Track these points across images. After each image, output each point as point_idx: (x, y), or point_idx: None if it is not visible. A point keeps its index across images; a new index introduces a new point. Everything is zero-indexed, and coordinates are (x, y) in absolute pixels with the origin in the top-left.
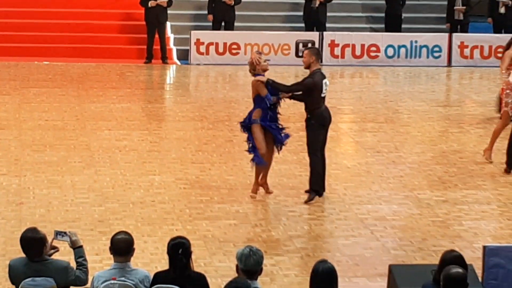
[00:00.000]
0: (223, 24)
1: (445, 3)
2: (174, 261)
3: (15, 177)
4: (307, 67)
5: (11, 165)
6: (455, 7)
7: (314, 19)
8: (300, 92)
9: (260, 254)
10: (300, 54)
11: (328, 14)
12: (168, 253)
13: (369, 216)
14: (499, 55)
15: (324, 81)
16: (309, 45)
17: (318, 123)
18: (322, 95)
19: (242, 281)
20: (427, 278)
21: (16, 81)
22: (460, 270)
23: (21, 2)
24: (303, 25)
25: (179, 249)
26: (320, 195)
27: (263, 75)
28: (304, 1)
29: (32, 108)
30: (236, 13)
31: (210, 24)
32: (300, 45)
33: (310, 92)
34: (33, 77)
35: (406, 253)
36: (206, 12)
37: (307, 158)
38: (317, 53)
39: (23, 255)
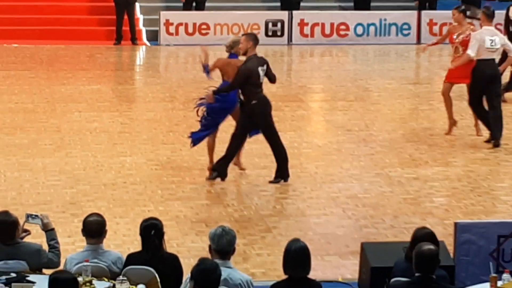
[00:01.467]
0: (194, 4)
1: None
2: (147, 242)
3: None
4: (244, 53)
5: None
6: None
7: None
8: None
9: (232, 234)
10: (270, 33)
11: None
12: (141, 234)
13: (341, 194)
14: None
15: (259, 68)
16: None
17: (260, 109)
18: (260, 81)
19: (209, 262)
20: (399, 255)
21: None
22: (431, 246)
23: None
24: (273, 4)
25: (151, 230)
26: (285, 180)
27: (237, 57)
28: None
29: (1, 91)
30: None
31: (180, 5)
32: (270, 25)
33: (246, 79)
34: (2, 60)
35: (378, 230)
36: None
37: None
38: (254, 39)
39: None
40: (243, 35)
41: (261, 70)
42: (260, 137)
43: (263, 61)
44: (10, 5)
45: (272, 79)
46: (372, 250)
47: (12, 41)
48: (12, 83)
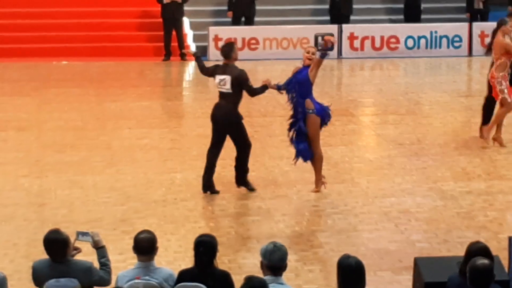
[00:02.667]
0: (243, 19)
1: None
2: (197, 258)
3: (37, 178)
4: None
5: (33, 166)
6: None
7: (338, 12)
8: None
9: (284, 250)
10: (319, 47)
11: None
12: (194, 250)
13: (393, 209)
14: None
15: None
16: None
17: None
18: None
19: (257, 280)
20: (453, 270)
21: (35, 82)
22: (486, 261)
23: (39, 2)
24: (323, 18)
25: (200, 247)
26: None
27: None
28: None
29: (52, 108)
30: (257, 7)
31: (229, 20)
32: (319, 39)
33: None
34: (53, 77)
35: (431, 245)
36: (225, 8)
37: (329, 153)
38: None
39: (47, 256)
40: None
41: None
42: None
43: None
44: (60, 23)
45: None
46: (426, 265)
47: (62, 59)
48: (62, 101)
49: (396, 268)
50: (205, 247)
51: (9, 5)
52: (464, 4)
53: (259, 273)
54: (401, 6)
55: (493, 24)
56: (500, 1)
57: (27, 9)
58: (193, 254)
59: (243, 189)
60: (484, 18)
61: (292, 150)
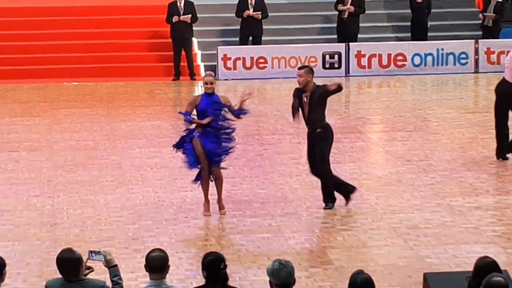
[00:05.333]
0: (250, 39)
1: (471, 9)
2: (215, 275)
3: (49, 198)
4: (305, 85)
5: (44, 186)
6: (485, 13)
7: (345, 31)
8: None
9: (290, 265)
10: (327, 65)
11: None
12: (206, 268)
13: (402, 225)
14: None
15: None
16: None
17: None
18: None
19: None
20: (462, 286)
21: (46, 102)
22: (501, 278)
23: (48, 24)
24: (330, 36)
25: (220, 263)
26: None
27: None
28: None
29: (63, 129)
30: (264, 27)
31: (237, 39)
32: (327, 57)
33: None
34: (63, 98)
35: (440, 260)
36: (232, 27)
37: (338, 170)
38: (312, 71)
39: (59, 275)
40: (300, 68)
41: None
42: None
43: None
44: (70, 44)
45: None
46: (435, 280)
47: (72, 80)
48: (73, 121)
49: (406, 283)
50: (224, 263)
51: (19, 27)
52: (470, 22)
53: None
54: (408, 24)
55: (502, 41)
56: (509, 17)
57: (37, 31)
58: (206, 271)
59: (253, 206)
60: (494, 36)
61: (302, 168)
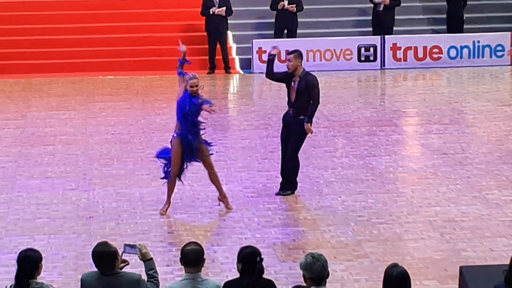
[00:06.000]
0: (285, 32)
1: (507, 1)
2: (251, 269)
3: (84, 192)
4: (294, 70)
5: (80, 180)
6: None
7: (381, 23)
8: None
9: (323, 259)
10: (363, 58)
11: None
12: (242, 261)
13: (438, 218)
14: None
15: None
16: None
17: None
18: None
19: None
20: (499, 279)
21: (81, 96)
22: None
23: (84, 17)
24: (365, 29)
25: (256, 257)
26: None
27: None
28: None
29: (98, 122)
30: (299, 20)
31: (272, 32)
32: (362, 50)
33: None
34: (98, 91)
35: (477, 254)
36: (267, 20)
37: (373, 163)
38: (301, 55)
39: (95, 269)
40: (290, 53)
41: None
42: (355, 162)
43: None
44: (106, 37)
45: None
46: (471, 274)
47: (108, 73)
48: (109, 115)
49: (441, 277)
50: (260, 257)
51: (55, 21)
52: (506, 14)
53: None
54: (444, 16)
55: None
56: None
57: (72, 25)
58: (242, 265)
59: (288, 199)
60: None
61: (337, 161)
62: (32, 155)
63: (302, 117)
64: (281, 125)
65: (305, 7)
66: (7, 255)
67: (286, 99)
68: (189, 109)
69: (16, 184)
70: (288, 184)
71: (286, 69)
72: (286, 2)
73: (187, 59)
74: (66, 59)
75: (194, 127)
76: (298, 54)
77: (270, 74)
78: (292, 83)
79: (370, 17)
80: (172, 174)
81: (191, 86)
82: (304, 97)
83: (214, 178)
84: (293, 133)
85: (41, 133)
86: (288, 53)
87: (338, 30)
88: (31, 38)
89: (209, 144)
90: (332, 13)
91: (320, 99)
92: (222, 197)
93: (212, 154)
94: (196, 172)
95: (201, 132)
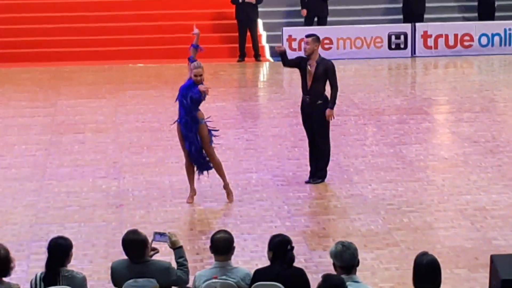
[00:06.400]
0: (315, 20)
1: None
2: (282, 257)
3: (114, 180)
4: (310, 54)
5: (110, 168)
6: None
7: (411, 11)
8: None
9: (353, 247)
10: (393, 46)
11: None
12: (273, 249)
13: (469, 206)
14: None
15: None
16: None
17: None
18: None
19: (336, 278)
20: None
21: (111, 84)
22: None
23: (114, 5)
24: (396, 17)
25: (287, 245)
26: None
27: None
28: None
29: (128, 110)
30: (329, 8)
31: (302, 20)
32: (393, 37)
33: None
34: (128, 79)
35: (508, 242)
36: (297, 8)
37: (404, 151)
38: (319, 40)
39: (125, 257)
40: (308, 36)
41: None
42: (385, 150)
43: None
44: (135, 25)
45: None
46: (502, 262)
47: (137, 61)
48: (138, 103)
49: (472, 265)
50: (291, 245)
51: (84, 9)
52: None
53: (332, 273)
54: (475, 4)
55: None
56: None
57: (102, 13)
58: (273, 253)
59: (318, 187)
60: None
61: (367, 149)
62: (62, 143)
63: (320, 101)
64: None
65: None
66: (38, 243)
67: (300, 85)
68: (190, 96)
69: (47, 172)
70: (321, 172)
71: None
72: None
73: (200, 46)
74: (95, 47)
75: (191, 111)
76: (316, 38)
77: (287, 63)
78: (309, 67)
79: (400, 5)
80: (186, 161)
81: (195, 75)
82: (320, 82)
83: (216, 168)
84: (315, 120)
85: (71, 121)
86: (306, 36)
87: (368, 18)
88: (61, 26)
89: (212, 134)
90: (362, 0)
91: (350, 87)
92: (225, 187)
93: (212, 143)
94: (225, 160)
95: (206, 121)
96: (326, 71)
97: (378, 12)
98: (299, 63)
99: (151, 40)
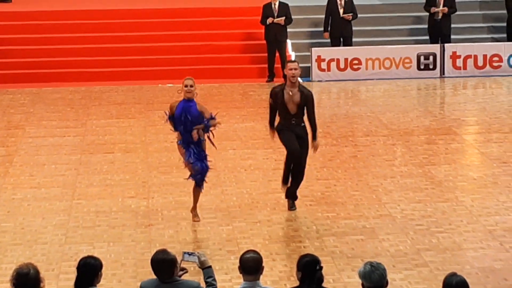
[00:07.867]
0: (341, 40)
1: None
2: (310, 277)
3: (143, 199)
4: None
5: (139, 188)
6: None
7: (438, 31)
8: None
9: (382, 267)
10: (422, 67)
11: None
12: (302, 269)
13: (498, 227)
14: None
15: None
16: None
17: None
18: None
19: None
20: None
21: (141, 104)
22: None
23: (146, 26)
24: (424, 38)
25: (316, 265)
26: None
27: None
28: (428, 14)
29: (157, 130)
30: (354, 28)
31: (329, 40)
32: (422, 58)
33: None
34: (158, 99)
35: None
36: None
37: (433, 171)
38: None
39: (154, 276)
40: (292, 61)
41: None
42: (414, 171)
43: None
44: (165, 46)
45: None
46: None
47: (167, 81)
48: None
49: (501, 286)
50: (320, 265)
51: (116, 30)
52: None
53: None
54: (504, 24)
55: None
56: None
57: (133, 33)
58: (301, 272)
59: (347, 208)
60: None
61: (396, 170)
62: (91, 163)
63: (303, 124)
64: (292, 133)
65: (361, 15)
66: (67, 262)
67: (278, 113)
68: (187, 114)
69: (76, 192)
70: (294, 197)
71: (288, 79)
72: (341, 11)
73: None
74: (125, 67)
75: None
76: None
77: (274, 117)
78: (290, 93)
79: (426, 25)
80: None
81: (185, 86)
82: (302, 109)
83: (195, 190)
84: (305, 143)
85: (100, 141)
86: (289, 61)
87: (394, 39)
88: (91, 47)
89: (191, 155)
90: (388, 21)
91: (378, 107)
92: (192, 209)
93: (189, 162)
94: (254, 180)
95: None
96: (307, 100)
97: (403, 33)
98: (276, 102)
99: (180, 60)
